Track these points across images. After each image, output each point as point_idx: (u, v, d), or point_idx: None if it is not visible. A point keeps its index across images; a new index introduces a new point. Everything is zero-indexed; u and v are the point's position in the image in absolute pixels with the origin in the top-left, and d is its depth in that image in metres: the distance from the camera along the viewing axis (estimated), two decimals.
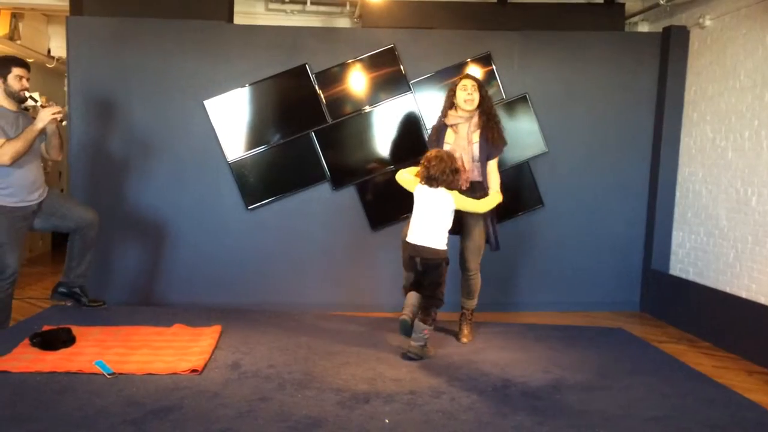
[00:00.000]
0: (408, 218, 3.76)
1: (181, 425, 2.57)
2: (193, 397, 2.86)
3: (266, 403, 2.83)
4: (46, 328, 3.61)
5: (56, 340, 3.41)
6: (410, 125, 5.11)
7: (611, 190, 5.33)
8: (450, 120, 3.95)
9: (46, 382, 2.94)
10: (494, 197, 3.80)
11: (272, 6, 5.65)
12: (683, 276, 5.11)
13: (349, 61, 5.06)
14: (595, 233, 5.33)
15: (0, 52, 6.02)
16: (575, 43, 5.22)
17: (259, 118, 5.05)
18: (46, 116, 3.74)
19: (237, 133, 5.02)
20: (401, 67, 5.08)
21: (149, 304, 4.97)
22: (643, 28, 5.78)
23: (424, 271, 3.60)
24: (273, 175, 5.09)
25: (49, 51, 7.07)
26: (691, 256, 5.06)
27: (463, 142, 3.88)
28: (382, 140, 5.12)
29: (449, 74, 4.96)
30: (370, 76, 5.09)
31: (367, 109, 5.10)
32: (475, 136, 3.90)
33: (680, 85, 5.19)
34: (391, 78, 5.09)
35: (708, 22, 4.91)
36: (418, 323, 3.53)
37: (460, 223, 3.83)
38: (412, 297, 3.63)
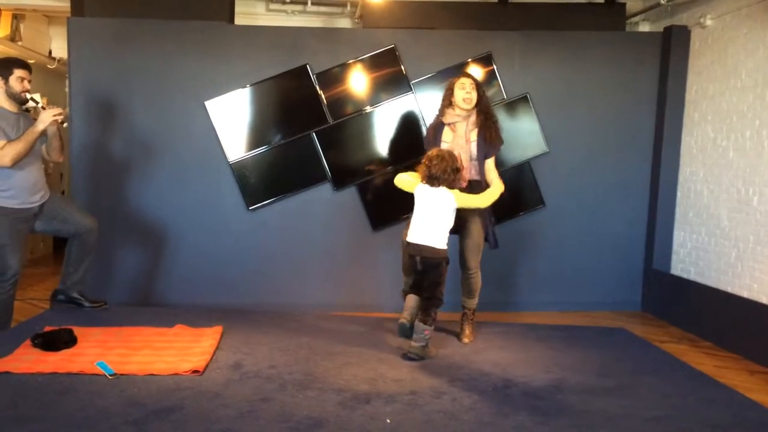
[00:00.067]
0: (409, 218, 3.76)
1: (183, 426, 2.57)
2: (194, 397, 2.86)
3: (267, 404, 2.83)
4: (47, 328, 3.61)
5: (58, 340, 3.41)
6: (411, 125, 5.12)
7: (612, 190, 5.32)
8: (448, 118, 3.94)
9: (47, 383, 2.95)
10: (495, 187, 3.77)
11: (273, 6, 5.66)
12: (685, 276, 5.10)
13: (350, 61, 5.06)
14: (596, 233, 5.32)
15: (1, 53, 6.03)
16: (576, 43, 5.22)
17: (260, 119, 5.06)
18: (46, 118, 3.74)
19: (238, 134, 5.02)
20: (402, 67, 5.08)
21: (150, 305, 4.98)
22: (644, 27, 5.78)
23: (424, 270, 3.60)
24: (274, 176, 5.10)
25: (50, 52, 7.08)
26: (693, 256, 5.05)
27: (461, 140, 3.88)
28: (383, 140, 5.12)
29: (450, 74, 4.91)
30: (371, 77, 5.09)
31: (368, 109, 5.10)
32: (473, 135, 3.90)
33: (681, 85, 5.19)
34: (392, 78, 5.10)
35: (709, 22, 4.91)
36: (418, 323, 3.53)
37: (459, 221, 3.83)
38: (412, 300, 3.64)
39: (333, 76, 5.06)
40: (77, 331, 3.57)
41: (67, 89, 5.15)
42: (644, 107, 5.30)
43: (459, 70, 4.92)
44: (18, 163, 3.70)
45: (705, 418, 2.87)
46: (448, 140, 3.92)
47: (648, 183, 5.37)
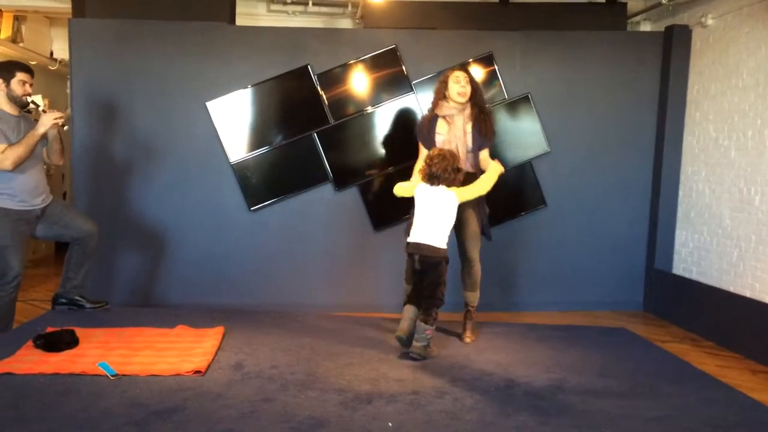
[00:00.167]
0: (409, 218, 3.76)
1: (185, 426, 2.57)
2: (196, 398, 2.86)
3: (269, 404, 2.83)
4: (49, 329, 3.61)
5: (60, 341, 3.41)
6: (412, 126, 5.09)
7: (614, 190, 5.32)
8: (442, 111, 3.95)
9: (49, 384, 2.95)
10: (492, 169, 3.74)
11: (274, 7, 5.66)
12: (686, 275, 5.10)
13: (351, 61, 5.06)
14: (597, 233, 5.32)
15: (3, 55, 6.05)
16: (577, 43, 5.21)
17: (262, 120, 5.06)
18: (47, 121, 3.75)
19: (239, 135, 5.03)
20: (403, 67, 5.08)
21: (152, 306, 4.98)
22: (645, 27, 5.77)
23: (423, 269, 3.59)
24: (275, 176, 5.10)
25: (51, 53, 7.10)
26: (695, 256, 5.05)
27: (459, 132, 3.90)
28: (385, 141, 5.12)
29: None
30: (372, 77, 5.10)
31: (370, 109, 5.11)
32: (468, 127, 3.92)
33: (683, 85, 5.19)
34: (393, 78, 5.10)
35: (710, 21, 4.90)
36: (419, 324, 3.53)
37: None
38: (409, 311, 3.63)
39: (334, 77, 5.06)
40: (79, 332, 3.58)
41: (68, 90, 5.16)
42: (646, 107, 5.30)
43: None
44: (19, 166, 3.70)
45: (707, 418, 2.87)
46: (443, 132, 3.93)
47: (650, 182, 5.36)
